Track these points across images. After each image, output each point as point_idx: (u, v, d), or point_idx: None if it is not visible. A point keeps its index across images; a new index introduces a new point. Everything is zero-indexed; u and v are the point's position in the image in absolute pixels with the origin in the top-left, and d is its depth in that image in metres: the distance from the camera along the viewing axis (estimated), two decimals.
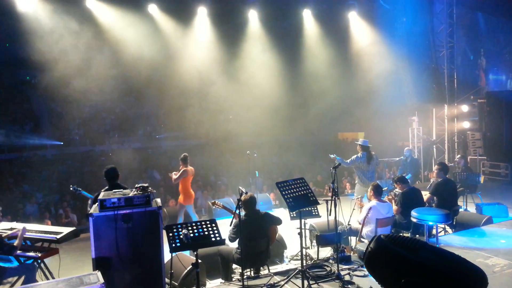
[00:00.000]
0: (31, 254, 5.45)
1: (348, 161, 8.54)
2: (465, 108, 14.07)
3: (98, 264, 4.55)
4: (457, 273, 2.36)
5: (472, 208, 9.13)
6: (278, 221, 5.81)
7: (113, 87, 21.42)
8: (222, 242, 4.52)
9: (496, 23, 17.85)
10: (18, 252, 5.38)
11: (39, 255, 5.43)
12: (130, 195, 4.83)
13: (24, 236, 5.46)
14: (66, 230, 5.72)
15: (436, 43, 13.99)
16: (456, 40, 14.09)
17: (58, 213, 11.32)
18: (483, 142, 13.44)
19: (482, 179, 9.66)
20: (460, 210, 8.39)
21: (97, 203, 4.77)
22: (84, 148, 20.38)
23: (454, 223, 7.58)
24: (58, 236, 5.53)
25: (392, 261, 2.53)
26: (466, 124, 13.98)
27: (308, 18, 14.65)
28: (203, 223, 4.59)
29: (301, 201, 4.94)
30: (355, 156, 8.60)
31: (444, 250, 2.60)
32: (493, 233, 7.02)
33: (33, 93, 21.17)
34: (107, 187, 5.91)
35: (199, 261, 5.56)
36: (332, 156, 8.48)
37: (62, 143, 19.51)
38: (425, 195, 7.51)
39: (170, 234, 4.39)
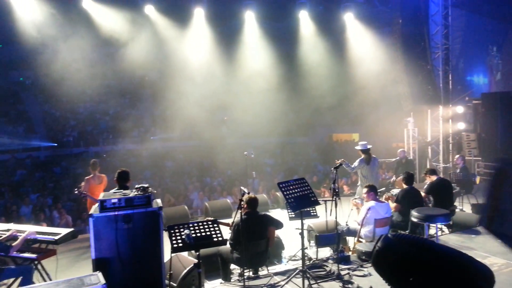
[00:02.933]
0: (28, 255, 5.39)
1: (353, 165, 8.50)
2: (460, 109, 14.17)
3: (98, 265, 4.51)
4: (465, 271, 2.38)
5: (468, 208, 9.20)
6: (279, 224, 5.78)
7: (107, 89, 21.36)
8: (224, 242, 4.51)
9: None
10: (15, 253, 5.32)
11: (37, 256, 5.38)
12: (130, 195, 4.81)
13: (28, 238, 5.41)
14: (64, 231, 5.67)
15: (431, 45, 14.08)
16: (451, 42, 14.20)
17: (53, 214, 11.22)
18: (478, 143, 13.52)
19: (478, 179, 9.73)
20: (456, 210, 8.45)
21: (97, 204, 4.74)
22: (78, 149, 20.27)
23: (451, 223, 7.63)
24: (57, 237, 5.47)
25: (400, 260, 2.54)
26: (461, 125, 14.07)
27: (304, 20, 14.69)
28: (205, 223, 4.58)
29: (302, 201, 4.94)
30: (358, 160, 8.56)
31: (451, 249, 2.61)
32: (490, 232, 7.06)
33: (27, 94, 21.03)
34: (116, 189, 5.93)
35: (196, 261, 5.56)
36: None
37: (56, 144, 19.39)
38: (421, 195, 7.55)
39: (173, 234, 4.36)
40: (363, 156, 8.53)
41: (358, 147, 8.77)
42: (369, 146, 8.65)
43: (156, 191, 13.65)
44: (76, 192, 7.59)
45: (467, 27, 16.05)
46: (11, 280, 5.44)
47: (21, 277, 5.25)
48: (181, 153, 20.58)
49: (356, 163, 8.53)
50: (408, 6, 13.58)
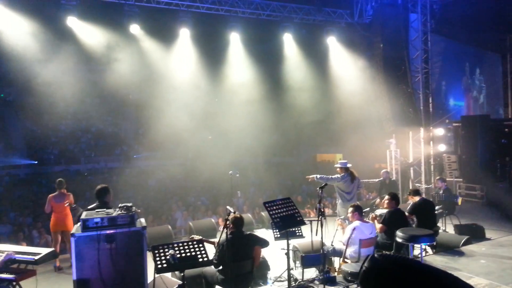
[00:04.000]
0: (6, 276, 5.19)
1: (330, 176, 8.45)
2: (440, 131, 14.49)
3: (80, 286, 4.39)
4: None
5: (450, 229, 9.30)
6: (264, 242, 5.72)
7: (90, 106, 21.18)
8: (209, 262, 4.45)
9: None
10: None
11: (15, 277, 5.19)
12: (113, 214, 4.72)
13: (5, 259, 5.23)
14: (44, 251, 5.50)
15: (412, 69, 14.46)
16: (431, 66, 14.62)
17: (32, 234, 10.91)
18: (459, 165, 13.81)
19: (460, 200, 9.88)
20: (440, 231, 8.54)
21: (79, 223, 4.64)
22: (58, 167, 19.91)
23: (434, 243, 7.69)
24: (36, 257, 5.30)
25: (387, 280, 2.54)
26: (442, 147, 14.37)
27: (288, 42, 14.94)
28: (190, 243, 4.52)
29: (288, 221, 4.93)
30: (339, 175, 8.53)
31: (438, 269, 2.63)
32: (473, 253, 7.15)
33: (7, 110, 20.67)
34: (96, 204, 5.92)
35: (180, 282, 5.46)
36: (310, 177, 8.47)
37: (36, 162, 19.02)
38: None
39: (157, 255, 4.28)
40: (343, 173, 8.56)
41: (338, 165, 8.79)
42: (349, 165, 8.67)
43: (139, 210, 13.49)
44: (67, 205, 7.75)
45: (446, 51, 16.58)
46: None
47: None
48: (164, 171, 20.40)
49: (336, 176, 8.48)
50: (389, 31, 13.97)
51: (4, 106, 20.88)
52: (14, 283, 5.23)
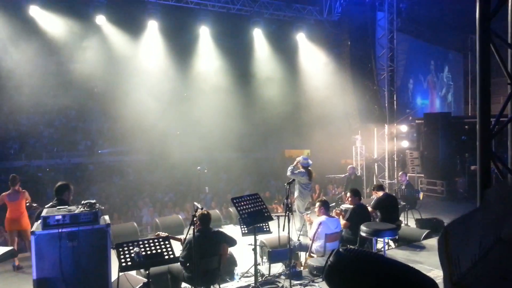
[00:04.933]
0: None
1: (293, 172, 8.78)
2: (404, 128, 14.91)
3: (40, 285, 4.25)
4: (413, 284, 2.46)
5: (412, 223, 9.59)
6: (232, 241, 5.71)
7: (53, 99, 20.45)
8: (176, 260, 4.40)
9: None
10: None
11: None
12: (76, 212, 4.59)
13: None
14: (2, 249, 5.29)
15: (377, 66, 14.78)
16: (396, 63, 14.98)
17: None
18: (421, 161, 14.26)
19: (421, 195, 10.20)
20: (402, 225, 8.80)
21: (39, 220, 4.48)
22: (18, 162, 19.11)
23: (397, 237, 7.92)
24: None
25: (352, 274, 2.59)
26: (405, 143, 14.79)
27: (259, 38, 14.92)
28: (156, 240, 4.45)
29: (255, 216, 4.94)
30: (298, 170, 8.89)
31: (400, 263, 2.70)
32: (433, 247, 7.39)
33: None
34: (55, 200, 5.71)
35: (145, 280, 5.37)
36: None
37: None
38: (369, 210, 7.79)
39: (121, 253, 4.19)
40: (302, 169, 8.86)
41: (300, 159, 9.09)
42: (310, 162, 9.08)
43: (104, 207, 13.18)
44: (28, 204, 7.45)
45: (411, 50, 17.02)
46: None
47: None
48: (130, 167, 20.00)
49: (296, 171, 8.85)
50: (356, 29, 14.23)
51: None
52: None
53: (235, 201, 4.94)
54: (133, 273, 5.91)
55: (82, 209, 4.67)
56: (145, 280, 4.72)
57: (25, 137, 20.31)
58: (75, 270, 4.42)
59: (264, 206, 5.18)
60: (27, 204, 7.51)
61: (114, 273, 4.57)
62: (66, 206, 4.98)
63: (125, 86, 16.12)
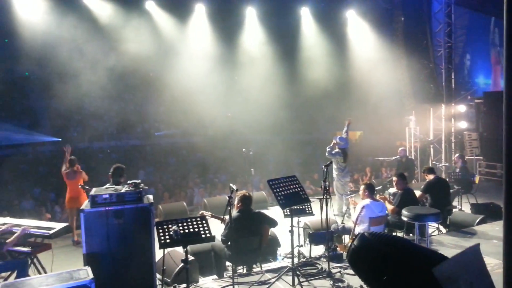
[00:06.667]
0: (24, 249, 5.46)
1: (329, 149, 9.07)
2: (462, 108, 14.09)
3: (89, 259, 4.56)
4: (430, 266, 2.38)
5: (467, 208, 9.15)
6: (273, 222, 5.79)
7: (112, 84, 21.44)
8: (212, 238, 4.53)
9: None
10: (11, 247, 5.39)
11: (32, 250, 5.45)
12: (121, 191, 4.85)
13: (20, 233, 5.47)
14: (58, 226, 5.73)
15: (434, 43, 14.00)
16: (454, 40, 14.09)
17: (54, 209, 11.32)
18: (480, 142, 13.46)
19: (477, 179, 9.67)
20: (455, 210, 8.42)
21: (89, 199, 4.80)
22: (82, 144, 20.34)
23: (448, 222, 7.60)
24: (51, 232, 5.53)
25: (374, 259, 2.55)
26: (463, 124, 14.00)
27: (306, 17, 14.63)
28: (193, 219, 4.60)
29: (292, 198, 4.95)
30: (335, 151, 9.05)
31: (426, 249, 2.63)
32: (486, 233, 7.03)
33: (32, 89, 21.14)
34: (109, 184, 6.01)
35: (192, 258, 5.60)
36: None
37: (60, 139, 19.49)
38: (418, 194, 7.52)
39: (160, 230, 4.39)
40: (339, 150, 9.00)
41: (338, 141, 9.17)
42: (341, 144, 9.18)
43: (158, 187, 13.77)
44: (80, 186, 7.88)
45: (470, 25, 15.91)
46: (8, 273, 5.53)
47: (17, 270, 5.33)
48: (184, 149, 20.63)
49: (333, 151, 9.04)
50: (411, 4, 13.54)
51: (29, 84, 21.35)
52: (32, 255, 5.50)
53: (271, 183, 4.97)
54: (179, 249, 6.19)
55: (127, 188, 4.93)
56: (190, 257, 4.92)
57: (87, 121, 21.53)
58: (121, 246, 4.71)
59: (301, 188, 5.17)
60: (79, 185, 7.97)
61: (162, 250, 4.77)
62: (114, 186, 5.28)
63: (177, 70, 16.53)
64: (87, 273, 4.02)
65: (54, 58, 15.43)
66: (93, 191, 4.92)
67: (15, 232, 5.33)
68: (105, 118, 22.87)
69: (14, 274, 5.37)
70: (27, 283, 3.86)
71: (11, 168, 15.79)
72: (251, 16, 14.19)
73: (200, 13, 13.50)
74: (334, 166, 8.88)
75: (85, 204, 4.86)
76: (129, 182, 5.06)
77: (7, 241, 5.21)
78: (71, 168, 8.36)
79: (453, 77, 14.13)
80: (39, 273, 5.54)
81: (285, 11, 15.07)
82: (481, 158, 13.34)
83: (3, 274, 5.58)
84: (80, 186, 7.84)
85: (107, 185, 5.32)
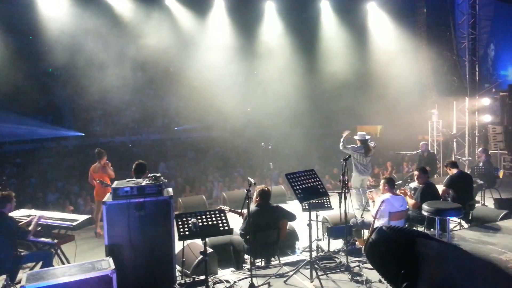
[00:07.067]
0: (48, 240, 5.62)
1: (345, 145, 8.99)
2: (486, 101, 13.74)
3: (111, 251, 4.67)
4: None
5: (490, 203, 8.95)
6: (291, 216, 5.80)
7: (133, 80, 21.73)
8: (230, 231, 4.58)
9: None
10: (36, 238, 5.57)
11: (56, 241, 5.61)
12: (142, 184, 4.94)
13: (41, 223, 5.64)
14: (81, 217, 5.88)
15: (457, 35, 13.67)
16: (478, 31, 13.72)
17: (78, 202, 11.60)
18: (504, 136, 13.11)
19: (501, 173, 9.44)
20: (477, 205, 8.25)
21: (111, 192, 4.90)
22: (104, 139, 20.71)
23: (470, 217, 7.45)
24: (74, 224, 5.69)
25: (392, 252, 2.54)
26: (487, 118, 13.66)
27: (326, 10, 14.49)
28: (212, 212, 4.66)
29: (310, 192, 4.94)
30: (355, 146, 9.05)
31: (443, 242, 2.60)
32: (510, 228, 6.87)
33: (56, 85, 21.60)
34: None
35: (211, 250, 5.67)
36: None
37: (83, 134, 19.90)
38: (441, 189, 7.39)
39: (180, 223, 4.46)
40: (359, 144, 8.98)
41: (357, 137, 9.20)
42: (367, 137, 9.14)
43: (177, 180, 13.94)
44: (98, 181, 7.95)
45: (495, 16, 15.44)
46: (33, 264, 5.70)
47: (42, 261, 5.50)
48: (203, 143, 20.79)
49: (351, 146, 9.00)
50: None
51: (53, 80, 21.82)
52: (56, 246, 5.66)
53: (289, 176, 4.97)
54: (199, 242, 6.27)
55: (148, 181, 5.02)
56: (209, 249, 4.98)
57: (109, 116, 21.88)
58: (142, 237, 4.81)
59: (320, 182, 5.16)
60: (97, 181, 7.93)
61: (181, 242, 4.82)
62: (135, 179, 5.38)
63: (196, 64, 16.63)
64: (108, 264, 4.13)
65: (77, 54, 15.74)
66: (115, 184, 5.02)
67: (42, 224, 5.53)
68: (127, 113, 23.20)
69: (39, 265, 5.53)
70: (51, 272, 3.98)
71: (36, 162, 16.24)
72: (270, 10, 14.13)
73: (219, 8, 13.53)
74: (352, 161, 8.84)
75: (107, 197, 4.97)
76: (149, 175, 5.15)
77: (29, 229, 5.39)
78: (99, 161, 8.34)
79: (477, 69, 13.79)
80: (63, 263, 5.70)
81: (304, 4, 14.96)
82: (506, 152, 13.00)
83: (29, 264, 5.76)
84: (98, 181, 7.83)
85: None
